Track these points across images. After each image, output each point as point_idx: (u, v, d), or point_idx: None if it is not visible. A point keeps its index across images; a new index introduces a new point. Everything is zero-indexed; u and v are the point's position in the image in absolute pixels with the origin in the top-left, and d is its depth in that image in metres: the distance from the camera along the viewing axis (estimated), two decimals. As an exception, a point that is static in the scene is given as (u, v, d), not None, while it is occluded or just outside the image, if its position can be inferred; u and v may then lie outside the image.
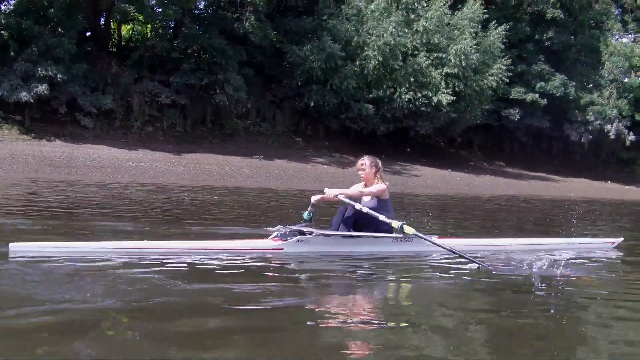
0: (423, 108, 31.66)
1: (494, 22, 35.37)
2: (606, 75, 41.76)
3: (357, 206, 7.95)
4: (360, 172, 8.33)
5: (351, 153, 32.21)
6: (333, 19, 31.73)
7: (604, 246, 10.02)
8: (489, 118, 38.86)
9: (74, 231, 8.48)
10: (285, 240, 7.80)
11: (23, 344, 3.87)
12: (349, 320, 4.92)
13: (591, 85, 42.36)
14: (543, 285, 6.63)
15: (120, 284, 5.51)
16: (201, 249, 7.48)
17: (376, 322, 4.95)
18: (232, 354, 3.95)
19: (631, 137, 42.62)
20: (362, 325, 4.79)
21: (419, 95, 31.47)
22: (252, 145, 29.71)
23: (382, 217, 7.91)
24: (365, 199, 8.21)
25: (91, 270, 6.10)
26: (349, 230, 8.15)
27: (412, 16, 32.87)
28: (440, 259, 7.85)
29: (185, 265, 6.69)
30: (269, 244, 7.82)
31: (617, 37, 42.98)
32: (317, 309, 5.24)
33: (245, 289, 5.75)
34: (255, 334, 4.42)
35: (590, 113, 41.16)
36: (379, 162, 8.38)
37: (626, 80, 42.04)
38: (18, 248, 6.65)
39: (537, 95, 39.22)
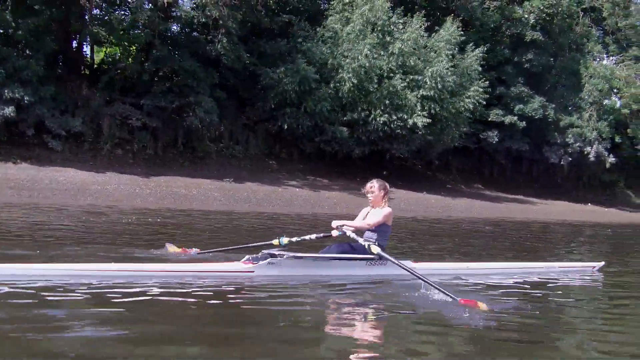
0: (398, 130, 31.67)
1: (471, 44, 35.41)
2: (586, 97, 41.82)
3: (360, 241, 8.31)
4: (369, 195, 8.66)
5: (326, 176, 32.32)
6: (308, 41, 31.80)
7: (585, 270, 10.25)
8: (467, 141, 38.98)
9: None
10: (256, 264, 7.91)
11: None
12: (316, 346, 5.11)
13: (571, 107, 42.29)
14: (517, 309, 6.91)
15: (83, 307, 5.66)
16: (170, 272, 7.56)
17: (346, 347, 5.10)
18: None
19: (611, 159, 42.78)
20: (331, 351, 5.00)
21: (394, 117, 31.48)
22: (224, 168, 29.68)
23: (360, 240, 8.25)
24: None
25: (53, 293, 6.21)
26: (332, 253, 8.39)
27: (388, 38, 32.84)
28: (411, 284, 7.90)
29: (154, 288, 6.79)
30: (239, 266, 7.95)
31: (597, 59, 43.01)
32: (284, 335, 5.33)
33: (213, 313, 5.92)
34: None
35: (570, 135, 41.31)
36: (387, 185, 8.78)
37: (606, 102, 42.02)
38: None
39: (515, 118, 39.40)
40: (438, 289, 7.20)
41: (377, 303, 7.08)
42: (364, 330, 5.84)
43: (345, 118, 31.82)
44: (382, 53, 32.48)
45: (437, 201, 31.08)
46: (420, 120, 31.52)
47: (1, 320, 5.16)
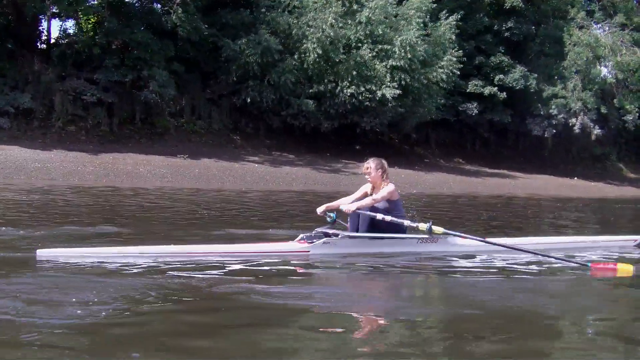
0: (367, 103, 31.31)
1: (444, 12, 34.99)
2: (570, 66, 41.28)
3: (379, 216, 8.16)
4: (366, 176, 8.60)
5: (293, 151, 32.13)
6: (272, 11, 31.43)
7: (626, 243, 10.20)
8: (445, 113, 38.55)
9: None
10: (312, 243, 8.06)
11: (48, 352, 3.97)
12: (381, 323, 5.18)
13: (555, 77, 41.81)
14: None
15: (144, 287, 5.71)
16: (227, 252, 7.78)
17: (408, 324, 5.13)
18: (263, 355, 4.18)
19: (597, 130, 42.36)
20: (394, 328, 5.03)
21: (362, 89, 31.15)
22: (184, 144, 29.46)
23: (407, 223, 8.20)
24: (380, 204, 8.41)
25: (115, 274, 6.38)
26: (363, 227, 8.37)
27: (356, 6, 32.47)
28: (467, 259, 8.14)
29: (213, 268, 6.96)
30: (295, 246, 8.14)
31: (582, 26, 42.44)
32: (347, 312, 5.42)
33: (272, 292, 5.95)
34: (284, 335, 4.63)
35: (554, 106, 40.82)
36: (384, 162, 8.65)
37: (592, 71, 41.53)
38: (45, 254, 6.97)
39: (495, 89, 38.97)
40: (541, 254, 7.50)
41: (435, 278, 7.29)
42: (426, 306, 5.97)
43: (311, 90, 31.57)
44: (349, 22, 32.15)
45: (407, 176, 30.67)
46: (389, 91, 31.14)
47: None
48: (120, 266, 6.69)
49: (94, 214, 12.31)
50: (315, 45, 30.57)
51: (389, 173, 8.68)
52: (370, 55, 31.69)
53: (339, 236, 8.13)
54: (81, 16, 30.67)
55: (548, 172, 41.86)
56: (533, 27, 42.28)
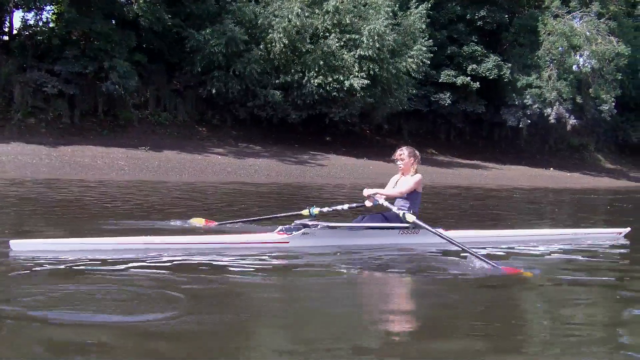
0: (335, 93, 31.39)
1: (414, 1, 35.11)
2: (544, 55, 41.46)
3: (385, 204, 8.61)
4: (399, 163, 8.93)
5: (260, 143, 32.28)
6: (238, 1, 31.45)
7: (611, 236, 10.46)
8: (418, 104, 38.71)
9: None
10: (291, 234, 8.22)
11: (20, 343, 4.08)
12: (355, 315, 5.29)
13: (530, 67, 41.99)
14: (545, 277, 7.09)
15: (121, 280, 5.86)
16: (205, 243, 7.94)
17: (382, 317, 5.33)
18: (246, 347, 4.32)
19: (572, 120, 42.52)
20: (370, 320, 5.20)
21: (330, 79, 31.23)
22: (147, 136, 29.54)
23: (394, 209, 8.51)
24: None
25: (90, 266, 6.46)
26: (365, 223, 8.70)
27: (323, -5, 32.47)
28: (445, 252, 8.32)
29: (190, 259, 7.13)
30: (274, 237, 8.29)
31: (557, 15, 42.59)
32: (324, 303, 5.66)
33: (251, 282, 6.18)
34: (263, 328, 4.83)
35: (528, 96, 40.96)
36: (417, 152, 9.01)
37: (566, 60, 41.71)
38: (19, 246, 6.98)
39: (468, 79, 39.15)
40: (478, 257, 7.40)
41: (413, 273, 7.29)
42: (401, 302, 6.15)
43: (278, 81, 31.72)
44: (316, 11, 32.19)
45: (376, 167, 30.93)
46: (357, 81, 31.23)
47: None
48: (92, 259, 6.76)
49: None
50: (282, 35, 30.70)
51: (419, 163, 9.05)
52: (337, 44, 31.84)
53: (318, 226, 8.27)
54: (44, 7, 30.49)
55: (523, 163, 42.26)
56: (507, 16, 42.43)
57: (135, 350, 4.06)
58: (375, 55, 32.18)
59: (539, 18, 42.45)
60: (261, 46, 31.18)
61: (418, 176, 8.79)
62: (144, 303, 5.11)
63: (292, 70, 31.61)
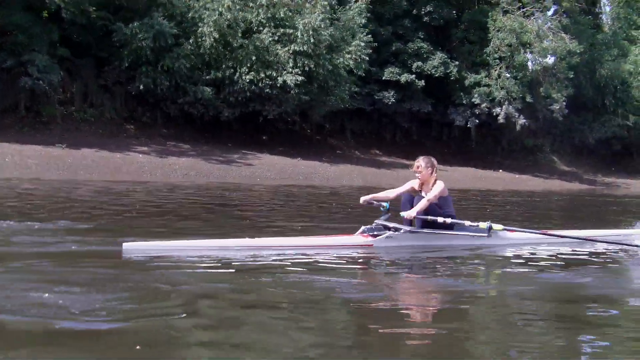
0: (268, 90, 31.81)
1: (354, -5, 35.81)
2: (493, 53, 42.23)
3: (440, 219, 9.05)
4: (417, 174, 9.50)
5: (192, 141, 32.69)
6: (168, -7, 31.86)
7: None
8: (361, 102, 39.22)
9: None
10: (375, 237, 8.91)
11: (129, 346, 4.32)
12: (455, 319, 5.56)
13: (479, 65, 42.76)
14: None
15: (218, 282, 6.39)
16: (287, 246, 8.54)
17: (479, 320, 5.70)
18: (333, 350, 4.53)
19: (522, 120, 43.18)
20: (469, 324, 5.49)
21: (262, 75, 31.71)
22: (71, 133, 29.83)
23: (467, 223, 9.15)
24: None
25: (196, 267, 7.07)
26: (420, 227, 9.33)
27: (258, -12, 32.98)
28: (521, 252, 9.17)
29: (273, 261, 7.69)
30: (358, 240, 8.93)
31: (507, 11, 43.37)
32: (420, 305, 6.15)
33: (340, 285, 6.56)
34: (357, 330, 5.12)
35: (476, 95, 41.63)
36: (434, 160, 9.65)
37: (517, 58, 42.48)
38: (131, 247, 7.62)
39: (413, 76, 39.72)
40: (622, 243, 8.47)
41: (497, 273, 8.11)
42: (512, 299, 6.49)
43: (208, 77, 32.11)
44: (250, 5, 32.67)
45: (307, 167, 31.55)
46: (290, 78, 31.68)
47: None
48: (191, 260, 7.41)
49: None
50: (212, 29, 31.20)
51: (437, 171, 9.65)
52: (271, 39, 32.36)
53: (402, 231, 8.95)
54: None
55: (473, 165, 42.85)
56: (454, 12, 43.09)
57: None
58: (310, 50, 32.73)
59: (489, 14, 43.17)
60: (191, 40, 31.49)
61: (441, 184, 9.36)
62: (235, 305, 5.57)
63: (224, 66, 32.14)
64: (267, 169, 29.82)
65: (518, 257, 8.81)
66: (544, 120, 46.50)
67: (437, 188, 9.24)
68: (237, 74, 32.14)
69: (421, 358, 4.44)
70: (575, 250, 9.53)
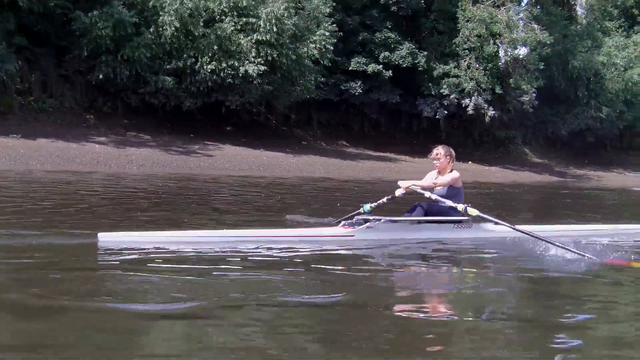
0: (230, 80, 32.07)
1: (319, -17, 36.14)
2: (462, 43, 42.65)
3: (427, 194, 9.74)
4: (435, 161, 10.09)
5: (153, 132, 32.98)
6: (130, -19, 32.10)
7: None
8: (328, 93, 39.55)
9: None
10: (356, 228, 9.40)
11: (110, 338, 4.55)
12: (434, 311, 5.86)
13: (448, 55, 43.18)
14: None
15: (198, 275, 6.52)
16: (272, 237, 8.93)
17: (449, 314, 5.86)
18: (313, 343, 4.72)
19: (491, 112, 43.66)
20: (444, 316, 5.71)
21: (224, 65, 31.98)
22: (29, 124, 30.04)
23: (448, 203, 9.58)
24: (438, 187, 9.94)
25: (174, 260, 7.32)
26: (422, 216, 9.89)
27: (220, -24, 33.26)
28: (497, 245, 9.41)
29: (262, 253, 8.03)
30: (340, 231, 9.44)
31: (476, 1, 43.81)
32: (399, 296, 6.44)
33: (321, 276, 6.88)
34: (334, 321, 5.30)
35: (445, 86, 42.02)
36: (453, 151, 10.21)
37: (486, 48, 42.91)
38: (107, 238, 7.90)
39: (380, 67, 40.06)
40: (574, 251, 8.37)
41: (471, 267, 8.36)
42: (476, 295, 6.67)
43: (169, 66, 32.38)
44: (212, -8, 32.94)
45: (270, 158, 31.96)
46: (252, 67, 31.98)
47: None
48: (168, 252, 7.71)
49: None
50: (173, 18, 31.43)
51: (454, 161, 10.22)
52: (233, 28, 32.66)
53: (382, 220, 9.38)
54: None
55: (442, 156, 43.01)
56: (423, 2, 43.37)
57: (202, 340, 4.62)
58: (274, 40, 33.07)
59: (458, 4, 43.58)
60: (152, 29, 31.71)
61: (455, 173, 9.95)
62: (209, 293, 5.75)
63: (185, 55, 32.41)
64: (227, 160, 30.10)
65: (498, 250, 9.15)
66: (515, 111, 46.93)
67: (449, 176, 9.88)
68: (199, 63, 32.46)
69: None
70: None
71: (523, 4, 47.59)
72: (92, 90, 33.76)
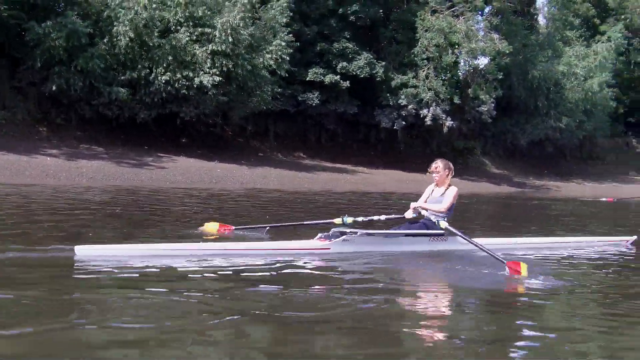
0: (184, 91, 32.28)
1: (274, -7, 36.47)
2: (420, 53, 43.13)
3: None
4: (434, 175, 10.56)
5: (106, 144, 33.13)
6: (85, -9, 32.23)
7: (619, 243, 12.38)
8: (285, 103, 39.87)
9: None
10: (332, 241, 9.56)
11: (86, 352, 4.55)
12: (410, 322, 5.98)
13: (406, 65, 43.65)
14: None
15: (179, 288, 6.64)
16: (251, 249, 9.13)
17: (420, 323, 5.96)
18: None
19: (449, 122, 44.20)
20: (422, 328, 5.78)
21: (179, 76, 32.18)
22: (-22, 136, 29.82)
23: (432, 217, 10.13)
24: (439, 200, 10.38)
25: (154, 273, 7.47)
26: (403, 229, 10.29)
27: (175, -14, 33.48)
28: (473, 258, 9.62)
29: (237, 265, 8.19)
30: (316, 244, 9.55)
31: (435, 10, 44.34)
32: (377, 307, 6.40)
33: (297, 289, 6.89)
34: (312, 334, 5.36)
35: (403, 96, 42.48)
36: (451, 165, 10.70)
37: (444, 58, 43.43)
38: (84, 252, 7.87)
39: (338, 77, 40.42)
40: (491, 254, 9.00)
41: (443, 278, 8.65)
42: (433, 306, 6.87)
43: (124, 77, 32.46)
44: (168, 3, 33.10)
45: (223, 171, 32.19)
46: (207, 78, 32.22)
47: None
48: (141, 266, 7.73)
49: None
50: (127, 28, 31.54)
51: (452, 175, 10.67)
52: (188, 39, 32.92)
53: (358, 233, 9.60)
54: None
55: (400, 167, 43.67)
56: (381, 12, 43.82)
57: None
58: (229, 50, 33.36)
59: (417, 13, 44.04)
60: (106, 40, 31.84)
61: (455, 189, 10.45)
62: (188, 309, 5.78)
63: (139, 66, 32.56)
64: (180, 172, 30.20)
65: (471, 262, 9.35)
66: (474, 122, 47.48)
67: (452, 194, 10.34)
68: (153, 74, 32.65)
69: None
70: (526, 254, 10.40)
71: (485, 12, 48.21)
72: (45, 102, 33.77)
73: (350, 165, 41.28)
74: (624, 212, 27.15)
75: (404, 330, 5.61)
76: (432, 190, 10.63)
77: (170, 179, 28.45)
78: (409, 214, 10.30)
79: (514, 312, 6.59)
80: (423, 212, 10.16)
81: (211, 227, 11.04)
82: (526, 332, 5.71)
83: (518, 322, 6.10)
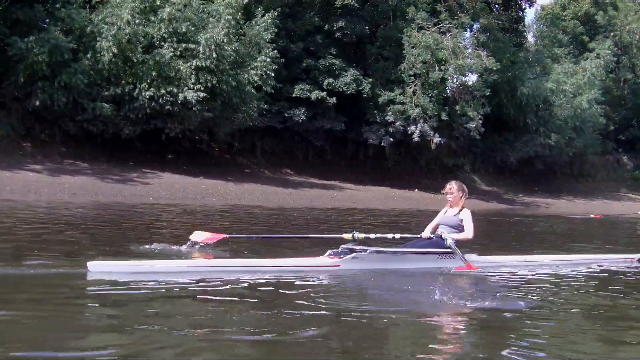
0: (168, 107, 32.48)
1: (260, 9, 36.58)
2: (407, 69, 43.36)
3: (389, 236, 10.74)
4: (448, 196, 10.91)
5: (91, 160, 33.21)
6: (67, 7, 32.35)
7: (625, 261, 12.63)
8: (272, 120, 40.02)
9: None
10: (341, 258, 9.75)
11: None
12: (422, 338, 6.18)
13: (393, 82, 43.87)
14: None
15: (188, 304, 6.98)
16: (259, 266, 9.29)
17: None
18: None
19: (437, 139, 44.32)
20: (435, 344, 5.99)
21: (163, 91, 32.39)
22: (-39, 152, 29.93)
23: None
24: (452, 220, 10.69)
25: (166, 289, 7.65)
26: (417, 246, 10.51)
27: (159, 2, 33.66)
28: (479, 275, 10.02)
29: (246, 281, 8.42)
30: (325, 261, 9.73)
31: (422, 27, 44.57)
32: (386, 326, 6.58)
33: (307, 306, 7.03)
34: (328, 350, 5.52)
35: (390, 113, 42.66)
36: (465, 187, 11.13)
37: (431, 75, 43.63)
38: (97, 268, 8.10)
39: (324, 93, 40.62)
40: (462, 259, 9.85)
41: (452, 297, 8.35)
42: (443, 325, 7.01)
43: (107, 93, 32.61)
44: (152, 19, 33.31)
45: (208, 187, 32.41)
46: (191, 94, 32.37)
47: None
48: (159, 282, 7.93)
49: None
50: (111, 44, 31.74)
51: (466, 196, 11.04)
52: (172, 54, 33.11)
53: (367, 251, 9.74)
54: None
55: (388, 184, 43.81)
56: (368, 28, 44.12)
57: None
58: (213, 66, 33.57)
59: (404, 30, 44.27)
60: (89, 55, 32.01)
61: (469, 213, 10.72)
62: (196, 325, 6.02)
63: (123, 82, 32.78)
64: (164, 188, 30.38)
65: (478, 279, 9.69)
66: (463, 138, 47.61)
67: (469, 218, 10.60)
68: (137, 90, 32.86)
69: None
70: (535, 273, 10.69)
71: (474, 29, 48.52)
72: (29, 118, 33.91)
73: (337, 182, 41.37)
74: (610, 229, 27.30)
75: (413, 351, 5.73)
76: (446, 211, 10.93)
77: (154, 195, 28.58)
78: (426, 234, 10.50)
79: (521, 331, 6.60)
80: (447, 239, 10.24)
81: (198, 235, 10.83)
82: (532, 353, 5.77)
83: (523, 342, 6.10)
